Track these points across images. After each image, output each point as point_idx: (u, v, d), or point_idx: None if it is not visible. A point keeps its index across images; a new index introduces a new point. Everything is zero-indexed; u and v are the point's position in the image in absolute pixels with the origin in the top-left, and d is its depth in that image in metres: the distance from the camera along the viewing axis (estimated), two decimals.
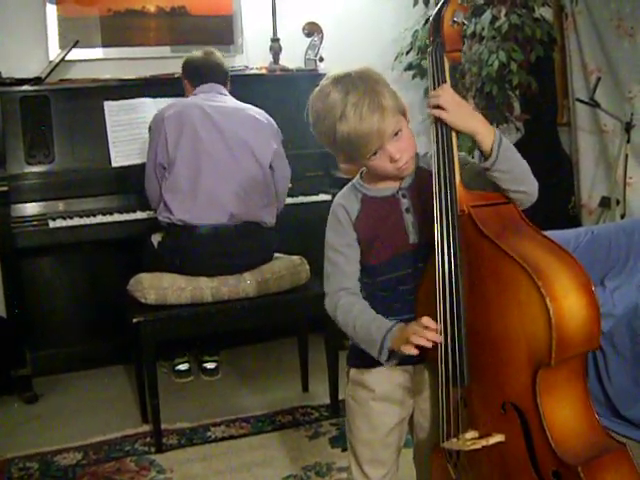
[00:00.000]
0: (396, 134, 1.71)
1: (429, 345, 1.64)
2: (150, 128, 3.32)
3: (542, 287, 1.52)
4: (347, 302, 1.81)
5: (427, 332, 1.64)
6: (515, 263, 1.56)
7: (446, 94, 1.68)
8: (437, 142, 1.71)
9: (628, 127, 4.32)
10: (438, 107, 1.68)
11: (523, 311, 1.56)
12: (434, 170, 1.71)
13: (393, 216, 1.80)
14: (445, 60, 1.73)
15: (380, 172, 1.77)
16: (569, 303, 1.55)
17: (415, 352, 1.65)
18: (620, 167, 4.40)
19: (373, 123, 1.66)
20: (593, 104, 4.44)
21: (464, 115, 1.68)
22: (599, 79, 4.40)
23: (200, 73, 3.41)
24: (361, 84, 1.69)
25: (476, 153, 1.76)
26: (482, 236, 1.63)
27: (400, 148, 1.72)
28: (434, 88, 1.72)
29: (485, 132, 1.67)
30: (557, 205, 4.76)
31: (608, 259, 3.21)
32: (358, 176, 1.87)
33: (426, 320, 1.65)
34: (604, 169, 4.62)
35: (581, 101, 4.52)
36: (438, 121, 1.70)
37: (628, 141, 4.33)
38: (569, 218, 4.72)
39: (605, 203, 4.50)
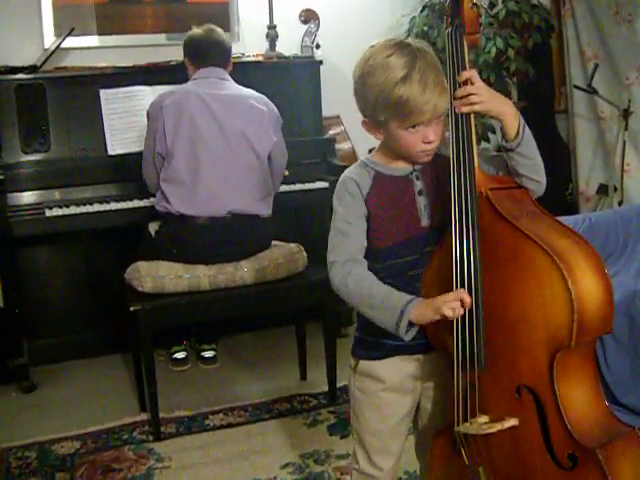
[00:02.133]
0: (439, 117, 1.72)
1: (461, 312, 1.64)
2: (148, 115, 3.29)
3: (564, 269, 1.53)
4: (360, 271, 1.78)
5: (458, 293, 1.65)
6: (536, 245, 1.57)
7: (478, 85, 1.69)
8: (456, 122, 1.71)
9: (626, 114, 4.31)
10: (469, 99, 1.69)
11: (544, 294, 1.57)
12: (452, 150, 1.71)
13: (405, 197, 1.79)
14: (464, 42, 1.73)
15: (402, 148, 1.75)
16: (588, 286, 1.56)
17: (452, 314, 1.64)
18: (618, 154, 4.39)
19: (434, 96, 1.67)
20: (591, 91, 4.42)
21: (495, 100, 1.71)
22: (597, 66, 4.38)
23: (201, 53, 3.36)
24: (427, 55, 1.71)
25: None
26: (501, 218, 1.64)
27: (437, 132, 1.72)
28: (453, 70, 1.72)
29: (513, 114, 1.70)
30: (554, 192, 4.71)
31: (606, 246, 3.20)
32: (367, 154, 1.86)
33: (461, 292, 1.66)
34: (601, 156, 4.61)
35: (579, 88, 4.51)
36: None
37: (626, 128, 4.32)
38: (566, 205, 4.71)
39: (603, 190, 4.50)
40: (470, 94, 1.69)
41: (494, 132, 4.54)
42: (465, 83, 1.70)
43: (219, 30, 3.43)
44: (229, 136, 3.20)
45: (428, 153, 1.75)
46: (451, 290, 1.67)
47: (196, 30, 3.41)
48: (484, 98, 1.69)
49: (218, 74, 3.34)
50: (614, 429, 1.64)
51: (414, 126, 1.70)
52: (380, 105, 1.70)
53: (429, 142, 1.71)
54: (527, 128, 1.71)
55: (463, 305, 1.65)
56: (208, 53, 3.35)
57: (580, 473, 1.57)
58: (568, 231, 1.66)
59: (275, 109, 3.35)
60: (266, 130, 3.29)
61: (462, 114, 1.71)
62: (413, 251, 1.79)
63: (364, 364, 1.91)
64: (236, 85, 3.36)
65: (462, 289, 1.66)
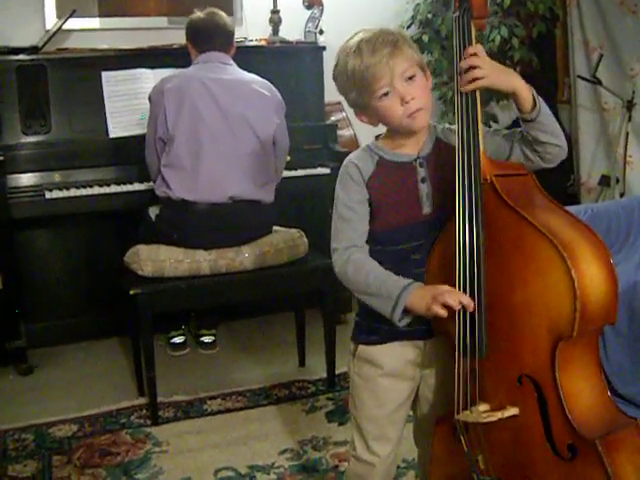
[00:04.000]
0: (410, 78, 1.71)
1: (458, 307, 1.63)
2: (150, 99, 3.27)
3: (568, 258, 1.52)
4: (360, 257, 1.78)
5: (460, 294, 1.64)
6: (540, 234, 1.55)
7: (482, 58, 1.67)
8: (461, 107, 1.70)
9: (629, 105, 4.30)
10: (473, 74, 1.66)
11: (547, 282, 1.55)
12: (457, 135, 1.70)
13: (408, 184, 1.78)
14: (472, 27, 1.72)
15: (389, 119, 1.75)
16: (592, 275, 1.55)
17: (444, 314, 1.65)
18: (620, 145, 4.38)
19: (383, 55, 1.68)
20: (594, 82, 4.41)
21: (501, 73, 1.68)
22: (601, 56, 4.37)
23: (202, 37, 3.32)
24: (385, 31, 1.73)
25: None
26: (505, 205, 1.62)
27: (411, 92, 1.71)
28: (459, 53, 1.71)
29: (524, 87, 1.68)
30: (556, 183, 4.73)
31: (607, 237, 3.19)
32: (374, 139, 1.86)
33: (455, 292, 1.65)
34: (604, 147, 4.60)
35: (582, 78, 4.50)
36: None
37: (629, 119, 4.32)
38: (568, 196, 4.71)
39: (605, 181, 4.49)
40: (473, 67, 1.66)
41: (496, 121, 4.53)
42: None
43: (221, 13, 3.39)
44: (231, 121, 3.17)
45: (415, 114, 1.72)
46: (455, 276, 1.66)
47: (198, 14, 3.38)
48: (487, 72, 1.65)
49: (220, 58, 3.31)
50: (616, 420, 1.63)
51: (386, 93, 1.71)
52: (348, 85, 1.75)
53: (407, 102, 1.70)
54: (539, 96, 1.69)
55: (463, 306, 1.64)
56: (210, 37, 3.31)
57: (579, 464, 1.56)
58: (574, 220, 1.64)
59: (278, 94, 3.33)
60: (269, 115, 3.26)
61: (468, 97, 1.69)
62: (414, 237, 1.78)
63: (363, 349, 1.90)
64: (239, 69, 3.34)
65: (461, 293, 1.65)
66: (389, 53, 1.68)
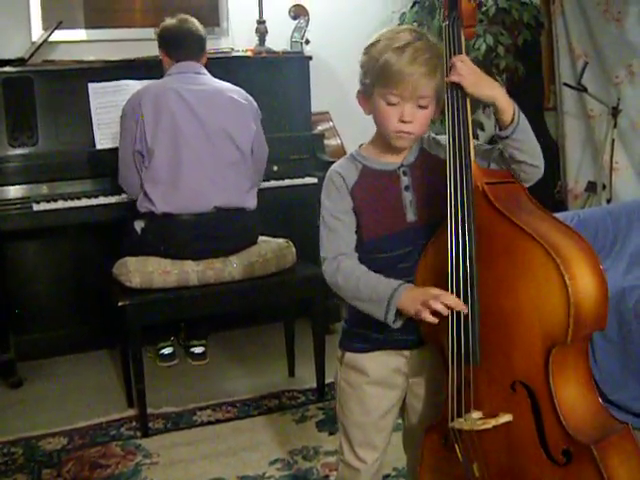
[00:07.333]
0: (421, 106, 1.72)
1: (446, 312, 1.64)
2: (124, 112, 3.25)
3: (561, 264, 1.53)
4: (349, 264, 1.79)
5: (449, 297, 1.64)
6: (533, 240, 1.57)
7: (465, 62, 1.68)
8: (452, 116, 1.70)
9: (615, 112, 4.33)
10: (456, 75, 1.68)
11: (540, 288, 1.56)
12: (448, 143, 1.70)
13: (391, 192, 1.80)
14: (462, 35, 1.73)
15: (381, 122, 1.76)
16: (584, 281, 1.56)
17: (432, 320, 1.65)
18: (606, 152, 4.41)
19: (417, 71, 1.69)
20: (580, 89, 4.44)
21: (483, 83, 1.69)
22: (586, 64, 4.39)
23: (174, 44, 3.32)
24: (434, 49, 1.73)
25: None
26: (497, 212, 1.63)
27: (414, 116, 1.72)
28: (448, 62, 1.71)
29: (505, 100, 1.68)
30: (543, 190, 4.70)
31: (595, 244, 3.18)
32: (357, 148, 1.87)
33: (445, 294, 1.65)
34: (590, 154, 4.62)
35: (568, 85, 4.52)
36: (454, 93, 1.70)
37: (615, 126, 4.34)
38: (555, 203, 4.72)
39: (591, 188, 4.51)
40: (453, 64, 1.68)
41: (482, 129, 4.55)
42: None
43: (193, 20, 3.39)
44: (210, 132, 3.18)
45: (404, 137, 1.74)
46: (445, 284, 1.66)
47: (169, 20, 3.38)
48: (468, 74, 1.67)
49: (194, 68, 3.32)
50: (608, 425, 1.64)
51: (393, 103, 1.71)
52: (370, 68, 1.75)
53: (404, 122, 1.71)
54: (522, 113, 1.69)
55: (451, 309, 1.65)
56: (182, 44, 3.32)
57: (574, 469, 1.57)
58: (564, 227, 1.66)
59: (254, 102, 3.34)
60: (247, 123, 3.27)
61: (459, 105, 1.70)
62: (400, 245, 1.79)
63: (350, 356, 1.92)
64: (213, 78, 3.34)
65: (452, 296, 1.65)
66: (423, 73, 1.69)
